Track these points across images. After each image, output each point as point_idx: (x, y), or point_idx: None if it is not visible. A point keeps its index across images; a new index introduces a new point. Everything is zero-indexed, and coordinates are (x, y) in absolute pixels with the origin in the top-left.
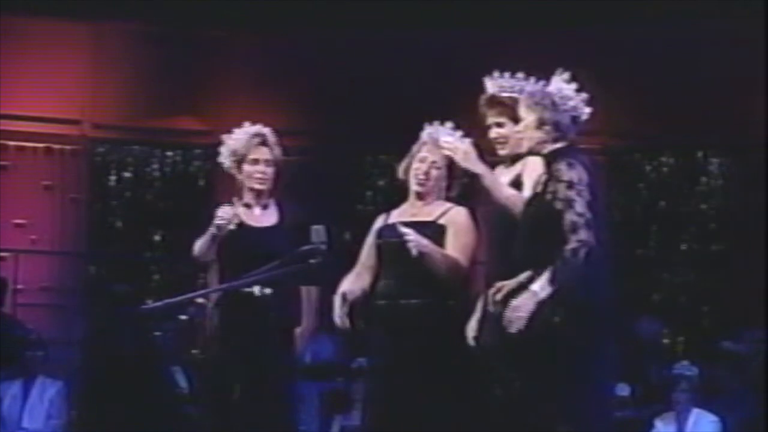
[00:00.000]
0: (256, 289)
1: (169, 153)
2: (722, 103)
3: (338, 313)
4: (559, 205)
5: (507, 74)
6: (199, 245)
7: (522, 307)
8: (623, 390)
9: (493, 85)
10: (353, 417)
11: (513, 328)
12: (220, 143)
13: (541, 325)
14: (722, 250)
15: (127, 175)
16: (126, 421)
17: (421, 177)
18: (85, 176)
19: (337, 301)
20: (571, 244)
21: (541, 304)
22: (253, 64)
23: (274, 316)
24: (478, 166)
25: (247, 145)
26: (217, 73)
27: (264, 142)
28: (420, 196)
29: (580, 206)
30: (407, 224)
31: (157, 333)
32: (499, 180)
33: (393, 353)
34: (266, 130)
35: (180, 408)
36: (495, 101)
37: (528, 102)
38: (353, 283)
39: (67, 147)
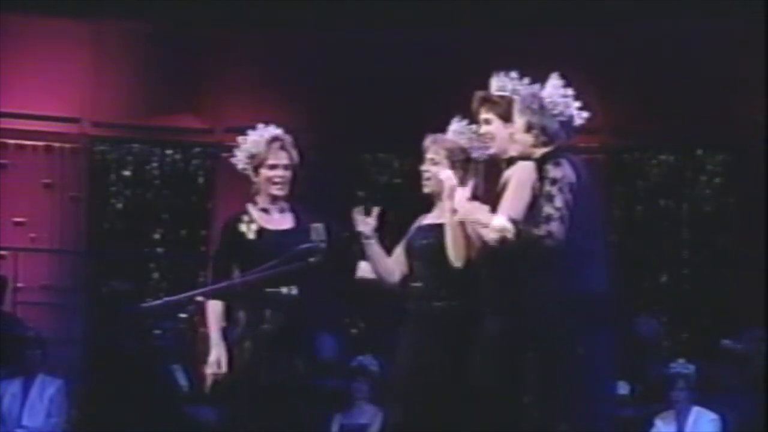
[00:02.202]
0: (284, 289)
1: (169, 151)
2: (722, 102)
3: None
4: (541, 200)
5: (502, 73)
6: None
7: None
8: (623, 389)
9: (494, 83)
10: (353, 415)
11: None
12: (220, 141)
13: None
14: (722, 249)
15: (126, 173)
16: (126, 419)
17: (425, 177)
18: (84, 174)
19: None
20: (540, 231)
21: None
22: (252, 62)
23: (300, 316)
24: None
25: (265, 150)
26: (216, 71)
27: (283, 147)
28: (437, 196)
29: (558, 201)
30: (431, 227)
31: (157, 331)
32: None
33: (420, 354)
34: (283, 134)
35: (180, 406)
36: (485, 99)
37: (519, 106)
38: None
39: (67, 145)
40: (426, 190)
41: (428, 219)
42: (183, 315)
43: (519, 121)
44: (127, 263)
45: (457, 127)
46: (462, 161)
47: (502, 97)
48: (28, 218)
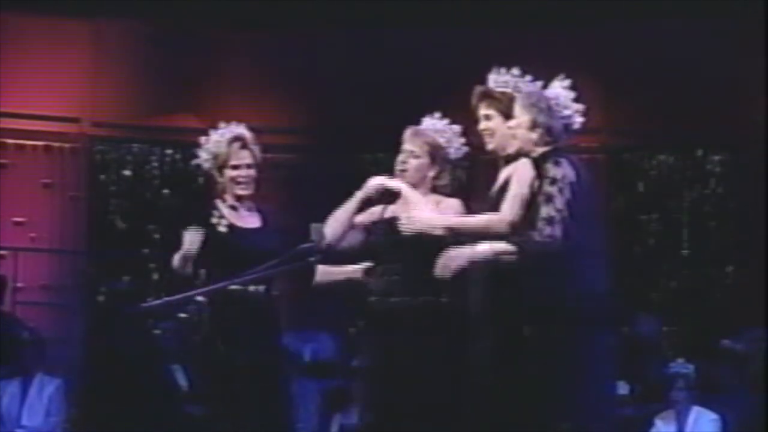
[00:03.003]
0: (250, 287)
1: (169, 151)
2: (722, 102)
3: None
4: (540, 199)
5: (503, 69)
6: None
7: (456, 257)
8: (623, 389)
9: (493, 79)
10: (353, 415)
11: (438, 272)
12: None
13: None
14: (722, 249)
15: (126, 173)
16: (125, 419)
17: (400, 167)
18: (84, 174)
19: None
20: (544, 238)
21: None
22: (252, 62)
23: (268, 313)
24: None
25: (227, 151)
26: (216, 71)
27: (244, 146)
28: None
29: (559, 202)
30: (392, 222)
31: (157, 331)
32: (458, 219)
33: (386, 351)
34: (244, 132)
35: (180, 406)
36: (487, 94)
37: (524, 102)
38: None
39: (67, 145)
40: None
41: (396, 212)
42: (183, 315)
43: (523, 117)
44: (127, 263)
45: (437, 124)
46: (441, 158)
47: (503, 93)
48: (28, 218)
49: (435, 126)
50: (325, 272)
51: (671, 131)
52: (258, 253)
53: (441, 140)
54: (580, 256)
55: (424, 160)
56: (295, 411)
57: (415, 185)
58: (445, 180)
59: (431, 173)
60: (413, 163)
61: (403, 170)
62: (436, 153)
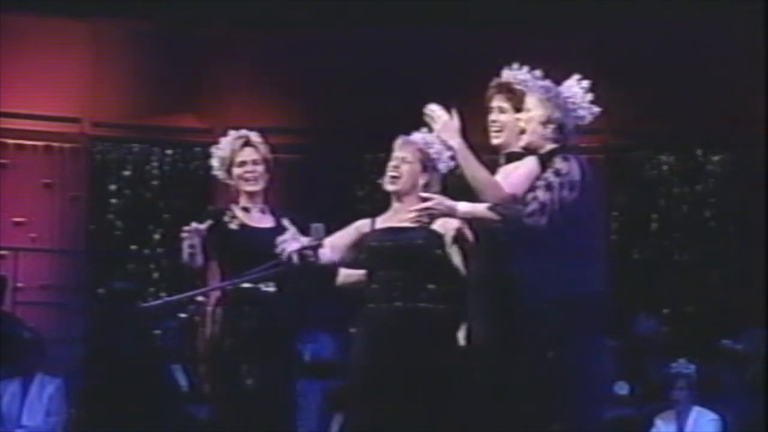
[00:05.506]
0: (261, 286)
1: (169, 151)
2: (722, 102)
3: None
4: (539, 183)
5: (525, 68)
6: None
7: (434, 208)
8: (623, 388)
9: (509, 75)
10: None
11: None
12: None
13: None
14: (722, 249)
15: (126, 173)
16: (126, 419)
17: (392, 173)
18: (84, 174)
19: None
20: (528, 219)
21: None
22: (252, 62)
23: (277, 313)
24: (454, 138)
25: (231, 149)
26: (216, 71)
27: (247, 143)
28: (398, 197)
29: (556, 195)
30: (396, 230)
31: (157, 331)
32: (472, 157)
33: (382, 356)
34: (249, 132)
35: (180, 406)
36: (506, 87)
37: (541, 96)
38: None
39: (67, 145)
40: (391, 188)
41: (387, 221)
42: (183, 315)
43: (537, 111)
44: (127, 263)
45: (427, 137)
46: (431, 168)
47: (521, 90)
48: (28, 218)
49: (425, 138)
50: (346, 275)
51: (671, 131)
52: (269, 253)
53: (431, 151)
54: (578, 255)
55: (416, 166)
56: (297, 412)
57: (406, 192)
58: (435, 188)
59: (422, 181)
60: (406, 168)
61: (396, 176)
62: (426, 161)
